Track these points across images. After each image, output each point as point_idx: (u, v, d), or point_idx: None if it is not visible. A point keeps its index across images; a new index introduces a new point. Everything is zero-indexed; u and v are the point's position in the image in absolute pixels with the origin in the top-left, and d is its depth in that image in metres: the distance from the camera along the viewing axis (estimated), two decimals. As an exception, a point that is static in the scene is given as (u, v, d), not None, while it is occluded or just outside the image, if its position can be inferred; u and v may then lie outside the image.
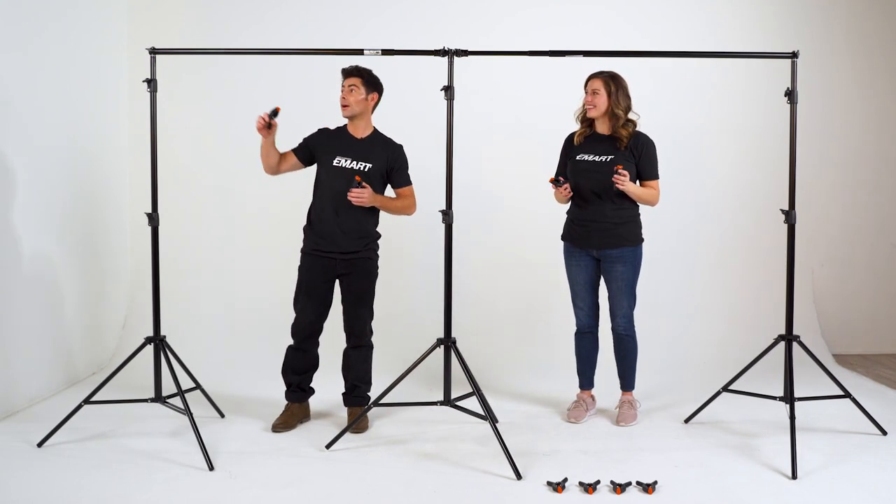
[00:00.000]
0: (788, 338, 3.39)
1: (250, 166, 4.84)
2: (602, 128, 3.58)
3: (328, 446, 3.25)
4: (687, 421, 3.65)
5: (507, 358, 4.51)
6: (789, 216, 3.37)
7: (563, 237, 3.71)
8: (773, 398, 3.41)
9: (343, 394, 3.64)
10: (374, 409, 3.26)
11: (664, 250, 5.09)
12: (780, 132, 4.44)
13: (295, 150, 3.52)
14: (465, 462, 3.11)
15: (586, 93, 3.55)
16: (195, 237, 4.91)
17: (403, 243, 4.86)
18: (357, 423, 3.43)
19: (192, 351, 4.06)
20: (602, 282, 3.71)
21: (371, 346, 3.62)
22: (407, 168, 3.57)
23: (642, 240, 3.65)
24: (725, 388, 3.57)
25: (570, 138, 3.67)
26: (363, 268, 3.52)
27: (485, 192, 4.87)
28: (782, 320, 3.49)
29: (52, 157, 4.02)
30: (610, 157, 3.50)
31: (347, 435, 3.32)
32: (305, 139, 3.54)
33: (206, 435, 3.20)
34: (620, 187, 3.40)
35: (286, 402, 3.61)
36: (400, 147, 3.56)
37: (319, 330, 3.57)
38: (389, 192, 3.63)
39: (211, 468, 3.00)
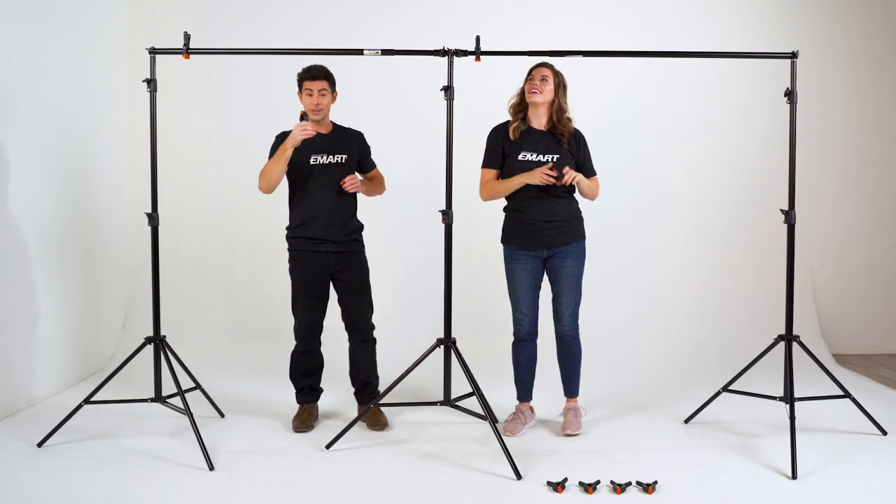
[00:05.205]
0: (788, 338, 3.39)
1: (250, 166, 4.85)
2: (539, 122, 3.41)
3: (328, 446, 3.24)
4: (687, 421, 3.65)
5: (504, 358, 4.50)
6: (789, 216, 3.37)
7: (506, 241, 3.49)
8: (773, 398, 3.41)
9: (355, 393, 3.64)
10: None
11: (663, 250, 5.10)
12: (780, 132, 4.44)
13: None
14: (465, 462, 3.11)
15: (531, 79, 3.38)
16: (195, 237, 4.91)
17: (403, 243, 4.87)
18: (378, 420, 3.47)
19: (192, 351, 4.06)
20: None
21: (375, 340, 3.62)
22: (370, 152, 3.65)
23: (585, 235, 3.50)
24: (725, 388, 3.57)
25: (503, 132, 3.44)
26: (355, 263, 3.52)
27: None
28: (782, 320, 3.49)
29: (52, 157, 4.03)
30: (555, 156, 3.36)
31: (354, 434, 3.31)
32: (283, 137, 3.46)
33: (206, 435, 3.20)
34: (572, 181, 3.27)
35: (299, 405, 3.61)
36: (362, 134, 3.62)
37: (321, 329, 3.57)
38: None
39: (211, 468, 2.99)
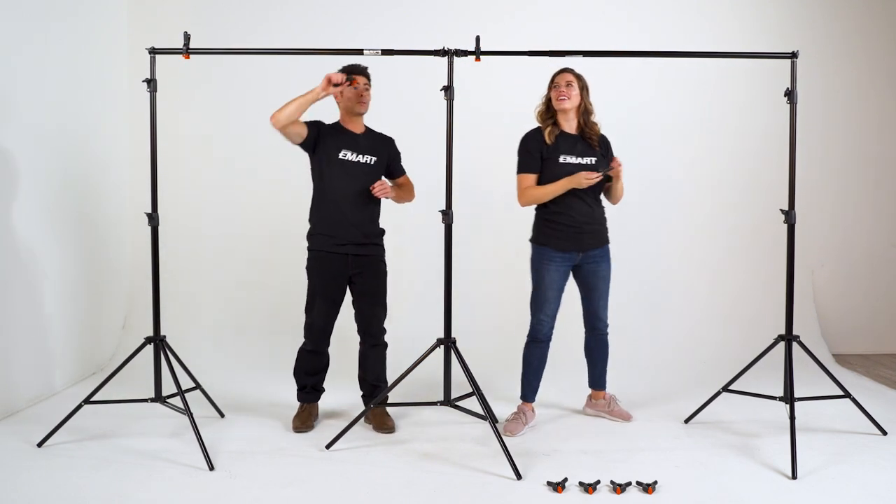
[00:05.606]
0: (788, 338, 3.39)
1: (250, 166, 4.87)
2: (569, 126, 3.49)
3: (328, 446, 3.24)
4: (687, 421, 3.65)
5: (507, 358, 4.50)
6: (789, 216, 3.37)
7: (542, 241, 3.49)
8: (773, 398, 3.42)
9: (363, 396, 3.63)
10: (380, 409, 3.27)
11: (663, 250, 5.10)
12: (780, 132, 4.44)
13: (307, 123, 3.43)
14: (465, 462, 3.11)
15: (556, 86, 3.43)
16: (195, 237, 4.91)
17: (403, 243, 4.86)
18: (384, 423, 3.46)
19: (192, 351, 4.06)
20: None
21: (386, 345, 3.60)
22: (401, 158, 3.66)
23: None
24: (725, 388, 3.57)
25: (538, 136, 3.46)
26: (374, 267, 3.52)
27: (485, 192, 4.87)
28: (782, 320, 3.49)
29: (52, 158, 4.03)
30: (594, 158, 3.45)
31: (354, 434, 3.31)
32: (318, 122, 3.47)
33: (206, 435, 3.20)
34: (620, 176, 3.44)
35: (300, 404, 3.60)
36: (393, 140, 3.64)
37: (332, 330, 3.56)
38: None
39: (211, 468, 3.00)
